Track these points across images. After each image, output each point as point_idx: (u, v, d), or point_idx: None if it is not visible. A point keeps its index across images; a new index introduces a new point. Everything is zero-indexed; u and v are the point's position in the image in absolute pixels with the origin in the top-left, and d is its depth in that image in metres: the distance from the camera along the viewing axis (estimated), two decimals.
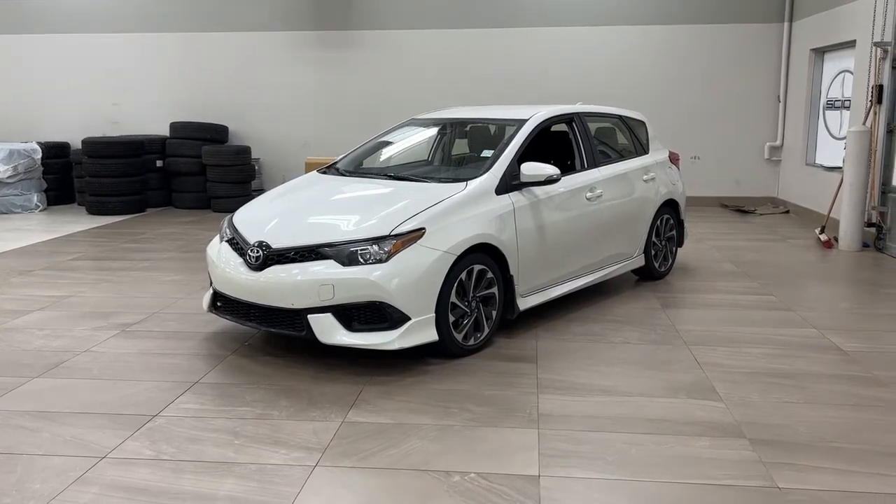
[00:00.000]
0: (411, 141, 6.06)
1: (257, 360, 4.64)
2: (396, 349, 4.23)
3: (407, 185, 4.98)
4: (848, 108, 9.45)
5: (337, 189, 5.15)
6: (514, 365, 4.53)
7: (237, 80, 11.93)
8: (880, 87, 7.97)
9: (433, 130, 6.09)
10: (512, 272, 4.85)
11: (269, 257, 4.41)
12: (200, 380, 4.31)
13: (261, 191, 11.97)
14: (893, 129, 7.81)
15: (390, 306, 4.21)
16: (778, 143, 11.25)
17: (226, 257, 4.67)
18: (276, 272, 4.35)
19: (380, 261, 4.23)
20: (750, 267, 7.22)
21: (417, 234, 4.34)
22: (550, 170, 4.95)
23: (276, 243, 4.43)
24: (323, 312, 4.24)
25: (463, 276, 4.50)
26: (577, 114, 5.86)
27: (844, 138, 9.40)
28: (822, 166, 9.93)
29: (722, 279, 6.73)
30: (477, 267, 4.61)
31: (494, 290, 4.75)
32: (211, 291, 4.83)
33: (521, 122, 5.41)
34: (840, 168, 9.39)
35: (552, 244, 5.21)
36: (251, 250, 4.47)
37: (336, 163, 5.86)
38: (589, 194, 5.58)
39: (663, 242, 6.62)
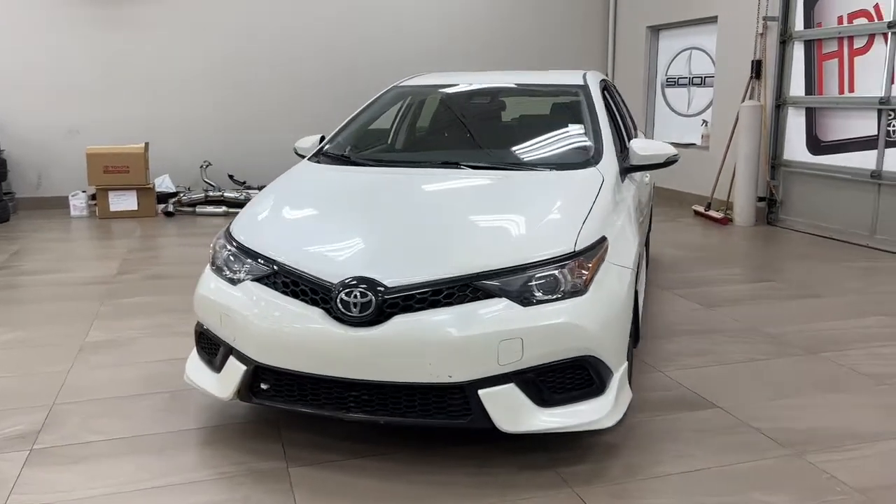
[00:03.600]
0: (425, 118, 4.42)
1: (343, 466, 2.85)
2: (610, 426, 2.79)
3: (515, 176, 3.45)
4: (698, 84, 9.55)
5: (407, 187, 3.42)
6: (697, 415, 3.34)
7: None
8: (760, 62, 8.02)
9: (445, 103, 4.49)
10: (638, 286, 3.63)
11: (386, 302, 2.66)
12: None
13: (11, 195, 8.87)
14: (781, 103, 7.90)
15: (598, 360, 2.76)
16: None
17: (276, 307, 2.78)
18: (409, 325, 2.63)
19: (576, 292, 2.74)
20: (695, 250, 6.76)
21: (603, 247, 2.93)
22: (669, 148, 3.80)
23: (394, 278, 2.70)
24: (501, 383, 2.65)
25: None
26: (606, 79, 4.76)
27: (699, 114, 9.53)
28: (674, 144, 9.96)
29: (694, 267, 6.12)
30: None
31: None
32: (242, 368, 2.86)
33: (583, 88, 4.17)
34: (693, 145, 9.50)
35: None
36: (346, 293, 2.67)
37: (322, 149, 4.04)
38: (638, 178, 4.53)
39: None
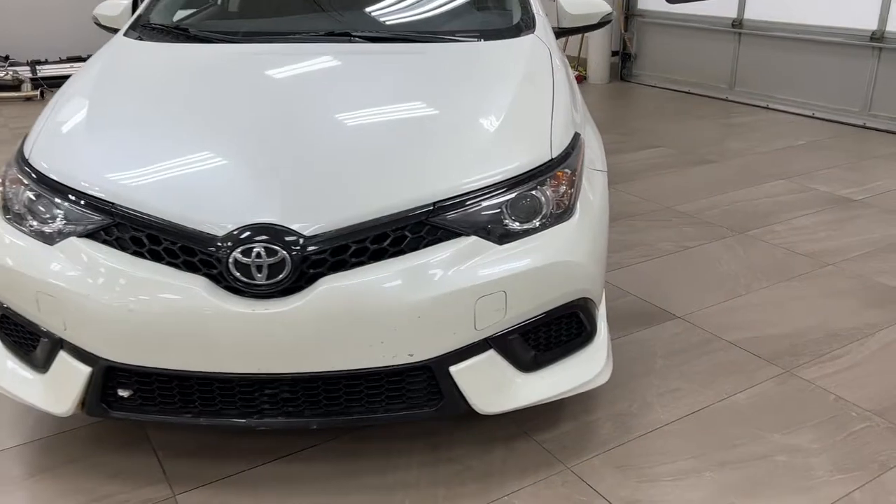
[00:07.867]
0: None
1: (253, 476, 2.05)
2: (604, 382, 2.18)
3: (434, 50, 2.55)
4: None
5: (299, 75, 2.41)
6: (661, 332, 2.85)
7: None
8: None
9: None
10: None
11: (307, 260, 1.80)
12: None
13: None
14: None
15: (590, 301, 2.10)
16: None
17: (126, 278, 1.81)
18: (346, 290, 1.80)
19: (561, 215, 2.02)
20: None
21: (579, 149, 2.19)
22: (602, 4, 3.06)
23: (314, 222, 1.82)
24: (477, 353, 1.92)
25: None
26: None
27: None
28: None
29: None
30: None
31: None
32: (85, 370, 1.90)
33: None
34: None
35: None
36: (242, 251, 1.77)
37: (142, 19, 2.85)
38: None
39: None
